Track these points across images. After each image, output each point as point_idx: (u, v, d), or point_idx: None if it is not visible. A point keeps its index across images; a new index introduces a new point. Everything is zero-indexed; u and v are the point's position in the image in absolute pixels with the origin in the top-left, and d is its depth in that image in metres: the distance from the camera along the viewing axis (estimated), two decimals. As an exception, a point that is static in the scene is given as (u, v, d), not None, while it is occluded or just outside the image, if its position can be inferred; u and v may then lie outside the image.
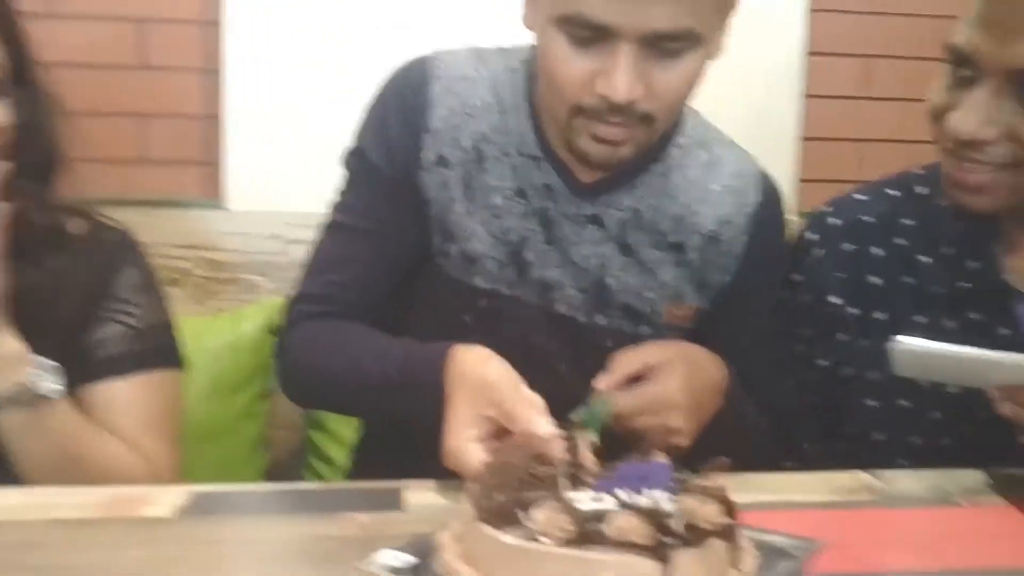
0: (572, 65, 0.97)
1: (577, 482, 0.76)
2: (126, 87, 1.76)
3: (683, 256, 1.11)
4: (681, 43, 0.95)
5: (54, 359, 1.04)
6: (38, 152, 1.12)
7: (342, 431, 1.60)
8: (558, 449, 0.80)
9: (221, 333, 1.60)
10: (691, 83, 1.00)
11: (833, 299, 1.15)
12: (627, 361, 0.97)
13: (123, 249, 1.16)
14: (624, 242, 1.10)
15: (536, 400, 0.88)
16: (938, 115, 1.04)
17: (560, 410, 0.99)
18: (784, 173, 1.86)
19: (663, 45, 0.95)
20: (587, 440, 0.83)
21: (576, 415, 0.92)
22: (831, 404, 1.17)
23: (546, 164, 1.09)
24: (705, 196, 1.12)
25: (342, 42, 1.73)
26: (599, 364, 1.12)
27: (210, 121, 1.77)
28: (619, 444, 0.96)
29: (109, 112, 1.77)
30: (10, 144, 1.06)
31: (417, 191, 1.10)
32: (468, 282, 1.10)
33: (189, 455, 1.41)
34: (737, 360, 1.13)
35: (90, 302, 1.12)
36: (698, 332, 1.15)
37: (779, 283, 1.20)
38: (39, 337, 1.03)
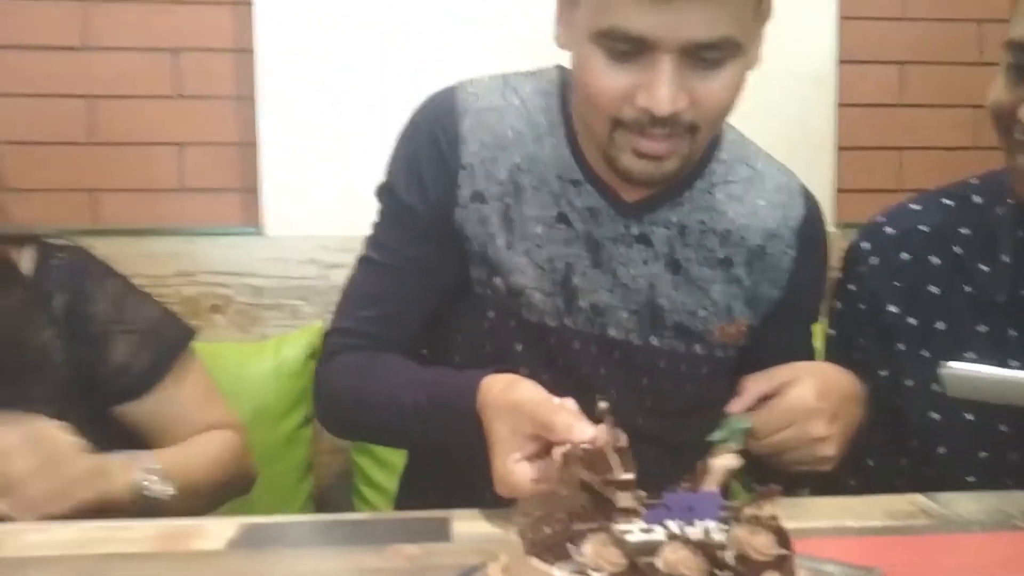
0: (612, 79, 0.96)
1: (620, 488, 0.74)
2: (163, 117, 1.79)
3: (732, 272, 1.11)
4: (721, 52, 0.95)
5: (64, 395, 1.06)
6: None
7: (388, 456, 1.61)
8: (603, 443, 0.79)
9: (265, 359, 1.61)
10: (734, 92, 0.99)
11: (891, 308, 1.14)
12: (756, 382, 0.98)
13: (88, 266, 1.16)
14: (673, 260, 1.09)
15: (570, 405, 0.87)
16: (1005, 112, 1.02)
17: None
18: (821, 184, 1.84)
19: (703, 55, 0.94)
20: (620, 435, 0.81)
21: (712, 437, 0.92)
22: (894, 418, 1.16)
23: (588, 187, 1.08)
24: (751, 210, 1.11)
25: (375, 67, 1.75)
26: (652, 387, 1.12)
27: (247, 148, 1.79)
28: (763, 467, 0.96)
29: (147, 142, 1.79)
30: None
31: (454, 228, 1.09)
32: (516, 315, 1.10)
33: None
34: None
35: (79, 327, 1.12)
36: (749, 349, 1.14)
37: (823, 296, 1.19)
38: (35, 381, 1.06)
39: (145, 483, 1.04)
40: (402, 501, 1.27)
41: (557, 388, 1.03)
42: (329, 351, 1.13)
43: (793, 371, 0.99)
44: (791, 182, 1.15)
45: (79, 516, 0.96)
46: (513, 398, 0.90)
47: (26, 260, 1.12)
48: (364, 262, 1.14)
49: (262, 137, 1.76)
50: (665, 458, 1.15)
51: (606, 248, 1.09)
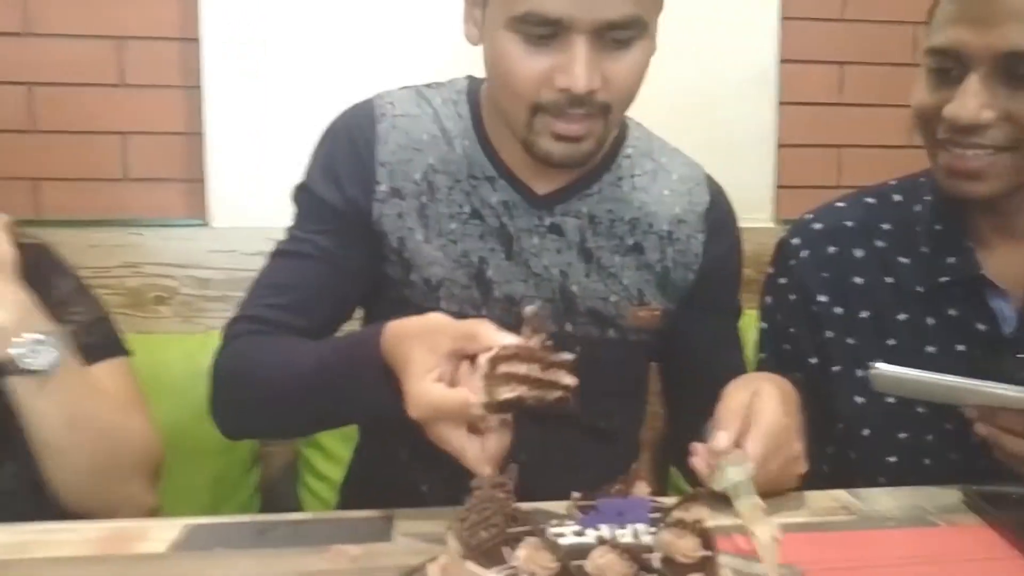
0: (530, 64, 1.01)
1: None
2: (107, 106, 1.77)
3: (643, 258, 1.16)
4: (629, 32, 1.00)
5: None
6: None
7: (334, 447, 1.62)
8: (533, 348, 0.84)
9: (210, 352, 1.59)
10: (640, 73, 1.04)
11: (820, 298, 1.19)
12: (730, 411, 0.96)
13: (49, 262, 1.17)
14: (585, 248, 1.14)
15: (487, 321, 0.89)
16: (927, 114, 1.08)
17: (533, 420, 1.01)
18: (761, 180, 1.89)
19: (614, 35, 0.99)
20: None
21: (720, 485, 0.89)
22: (821, 405, 1.19)
23: (501, 182, 1.13)
24: (656, 199, 1.17)
25: (323, 57, 1.75)
26: (570, 372, 1.14)
27: (192, 138, 1.78)
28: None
29: (90, 131, 1.78)
30: None
31: (371, 223, 1.12)
32: (433, 308, 1.10)
33: (183, 474, 1.43)
34: (711, 359, 1.18)
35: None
36: (671, 338, 1.20)
37: (739, 284, 1.25)
38: None
39: (20, 354, 1.01)
40: (346, 494, 1.29)
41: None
42: (228, 337, 1.10)
43: (747, 386, 0.99)
44: (695, 172, 1.21)
45: None
46: (429, 321, 0.91)
47: None
48: (275, 255, 1.16)
49: (208, 127, 1.75)
50: (589, 443, 1.19)
51: (519, 240, 1.13)
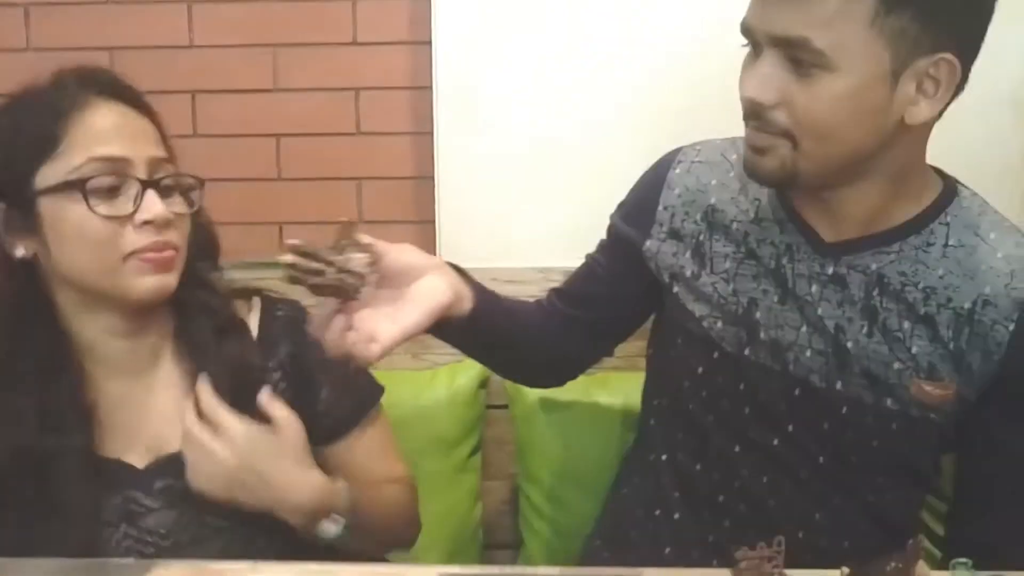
0: (743, 73, 1.04)
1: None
2: (344, 153, 1.87)
3: (935, 332, 1.06)
4: (806, 55, 0.96)
5: None
6: (205, 236, 1.21)
7: (553, 483, 1.63)
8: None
9: (439, 388, 1.66)
10: (832, 113, 0.98)
11: None
12: None
13: (305, 318, 1.22)
14: (870, 306, 1.08)
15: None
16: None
17: (787, 468, 1.01)
18: (1016, 215, 1.74)
19: (793, 54, 0.97)
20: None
21: None
22: None
23: (789, 225, 1.11)
24: (966, 274, 1.06)
25: (551, 108, 1.77)
26: (833, 432, 1.10)
27: (422, 183, 1.85)
28: None
29: (329, 177, 1.88)
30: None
31: (646, 259, 1.21)
32: (700, 340, 1.15)
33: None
34: (1002, 464, 1.08)
35: (300, 374, 1.20)
36: (960, 422, 1.09)
37: None
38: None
39: (322, 527, 1.10)
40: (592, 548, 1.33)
41: (736, 414, 1.05)
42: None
43: None
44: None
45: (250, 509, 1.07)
46: None
47: (252, 314, 1.23)
48: (586, 258, 1.33)
49: (439, 171, 1.81)
50: (847, 507, 1.12)
51: (797, 285, 1.10)
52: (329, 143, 1.87)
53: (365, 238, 1.01)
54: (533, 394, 1.61)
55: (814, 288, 1.09)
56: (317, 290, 1.01)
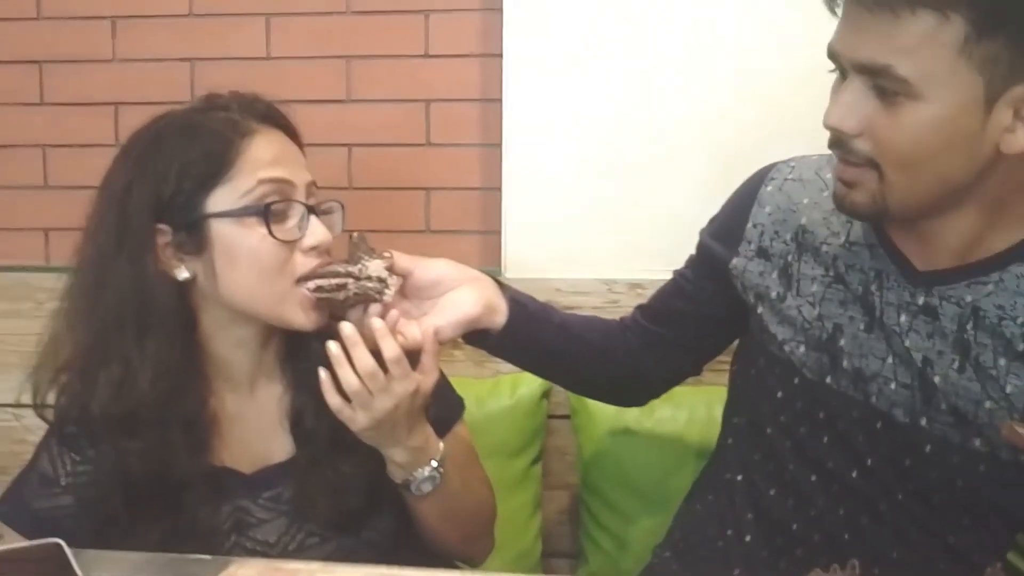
0: (831, 97, 1.01)
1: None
2: (414, 163, 1.90)
3: None
4: (888, 82, 0.93)
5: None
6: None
7: (615, 495, 1.63)
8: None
9: (502, 397, 1.68)
10: (917, 143, 0.94)
11: None
12: None
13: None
14: (962, 340, 1.02)
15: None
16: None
17: (864, 502, 0.99)
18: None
19: (876, 81, 0.94)
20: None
21: None
22: None
23: (880, 250, 1.08)
24: None
25: (615, 124, 1.78)
26: (916, 470, 1.06)
27: (489, 193, 1.87)
28: None
29: (398, 187, 1.91)
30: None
31: (732, 276, 1.19)
32: (780, 363, 1.13)
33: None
34: None
35: None
36: None
37: None
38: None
39: (414, 476, 1.13)
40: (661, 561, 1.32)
41: (814, 442, 1.03)
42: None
43: None
44: None
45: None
46: None
47: None
48: (674, 274, 1.31)
49: (506, 182, 1.83)
50: (927, 546, 1.09)
51: (884, 314, 1.06)
52: (399, 153, 1.91)
53: (387, 252, 1.09)
54: (596, 406, 1.62)
55: (903, 318, 1.04)
56: (346, 304, 1.07)
